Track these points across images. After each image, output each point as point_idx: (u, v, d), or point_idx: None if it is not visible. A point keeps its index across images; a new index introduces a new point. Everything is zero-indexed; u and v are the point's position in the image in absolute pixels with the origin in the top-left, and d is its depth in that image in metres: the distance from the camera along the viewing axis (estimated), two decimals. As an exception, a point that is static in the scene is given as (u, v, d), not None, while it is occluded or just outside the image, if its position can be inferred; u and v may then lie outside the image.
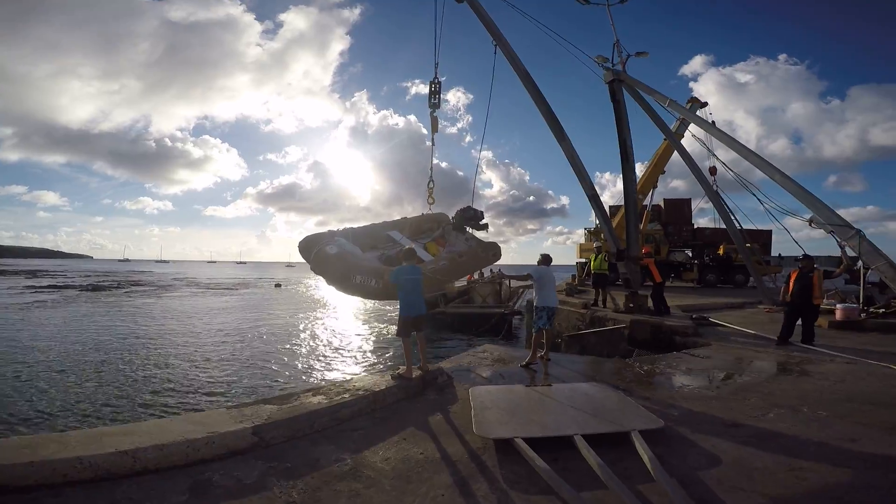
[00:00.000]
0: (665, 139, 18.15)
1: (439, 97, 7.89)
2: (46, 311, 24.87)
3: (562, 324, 11.63)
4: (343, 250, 5.93)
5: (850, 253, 7.70)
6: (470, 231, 7.82)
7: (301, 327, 21.77)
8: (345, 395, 4.27)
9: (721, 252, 23.32)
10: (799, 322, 7.87)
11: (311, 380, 11.84)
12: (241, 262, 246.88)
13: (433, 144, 8.01)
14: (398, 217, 7.80)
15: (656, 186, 21.98)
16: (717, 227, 22.33)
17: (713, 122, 15.89)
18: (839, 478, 2.95)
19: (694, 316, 10.31)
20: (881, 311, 10.01)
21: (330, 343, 17.57)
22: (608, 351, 9.27)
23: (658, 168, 21.64)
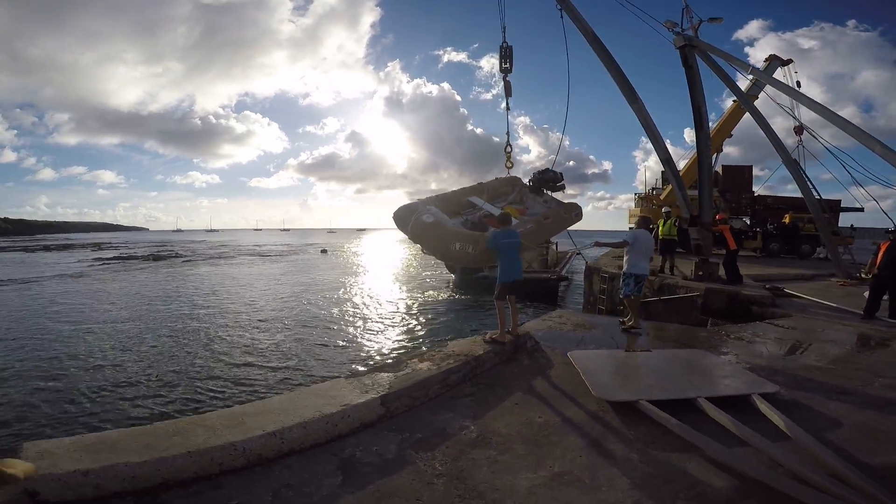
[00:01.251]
0: (734, 100, 17.15)
1: (511, 62, 7.81)
2: (118, 282, 26.25)
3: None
4: (437, 219, 6.13)
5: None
6: (548, 193, 7.84)
7: (354, 292, 22.74)
8: (450, 361, 4.29)
9: (787, 221, 22.29)
10: (886, 297, 7.66)
11: (380, 346, 12.37)
12: (285, 230, 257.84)
13: (507, 109, 7.87)
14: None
15: (721, 150, 21.03)
16: (778, 194, 21.38)
17: (798, 82, 14.90)
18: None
19: (768, 286, 10.12)
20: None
21: (395, 309, 18.09)
22: (679, 319, 9.25)
23: (724, 132, 20.65)
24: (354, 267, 37.13)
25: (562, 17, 8.55)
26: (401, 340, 13.00)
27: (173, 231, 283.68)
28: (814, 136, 11.25)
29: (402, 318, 16.09)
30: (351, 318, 15.81)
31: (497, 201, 7.76)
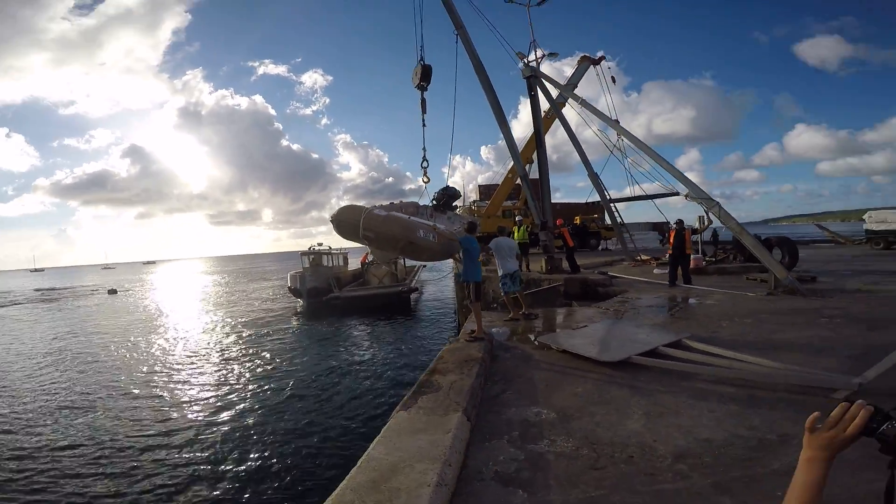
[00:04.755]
0: (545, 114, 19.19)
1: (429, 80, 8.29)
2: None
3: (495, 289, 13.24)
4: (392, 213, 6.28)
5: (713, 218, 10.66)
6: (450, 211, 8.60)
7: (198, 342, 19.43)
8: (468, 366, 4.47)
9: (577, 222, 27.92)
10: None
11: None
12: (36, 270, 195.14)
13: (424, 125, 8.32)
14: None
15: (532, 162, 24.77)
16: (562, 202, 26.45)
17: (613, 77, 17.00)
18: (793, 338, 4.96)
19: (598, 272, 12.87)
20: (713, 260, 14.04)
21: (276, 355, 15.80)
22: (546, 305, 11.12)
23: (532, 145, 24.22)
24: (167, 308, 31.35)
25: (457, 41, 9.46)
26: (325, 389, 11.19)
27: None
28: (613, 145, 14.30)
29: (297, 363, 14.04)
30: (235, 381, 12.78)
31: None
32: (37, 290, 57.87)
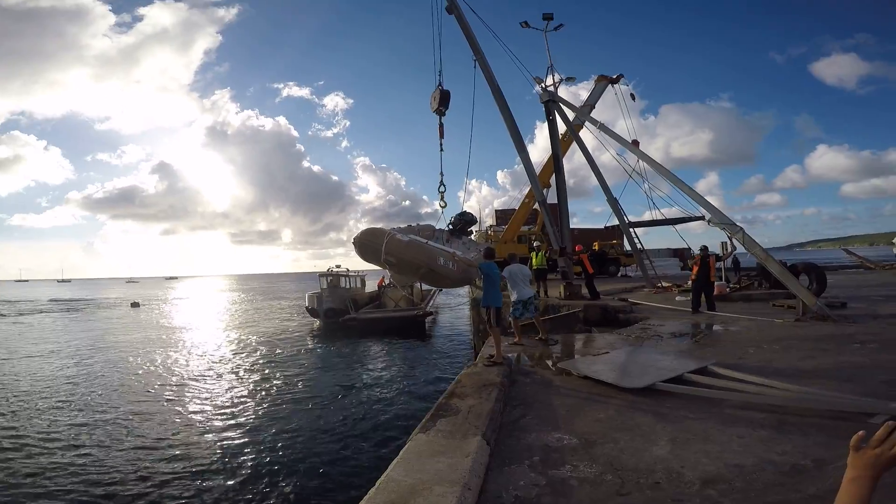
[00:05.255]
0: (562, 136, 19.28)
1: (447, 105, 8.43)
2: None
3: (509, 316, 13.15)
4: (414, 238, 6.34)
5: (736, 244, 10.47)
6: (466, 236, 8.63)
7: (219, 357, 19.63)
8: (487, 391, 4.42)
9: (596, 248, 27.64)
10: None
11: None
12: (63, 280, 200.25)
13: (441, 150, 8.45)
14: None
15: (549, 186, 24.69)
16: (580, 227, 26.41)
17: (633, 94, 17.05)
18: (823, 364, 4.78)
19: (618, 298, 12.67)
20: (737, 286, 13.72)
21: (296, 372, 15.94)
22: (565, 331, 10.95)
23: (548, 169, 24.19)
24: (186, 323, 31.80)
25: (475, 67, 9.70)
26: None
27: None
28: (631, 170, 14.19)
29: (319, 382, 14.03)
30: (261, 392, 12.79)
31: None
32: (74, 298, 58.02)
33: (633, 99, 16.11)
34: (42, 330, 28.08)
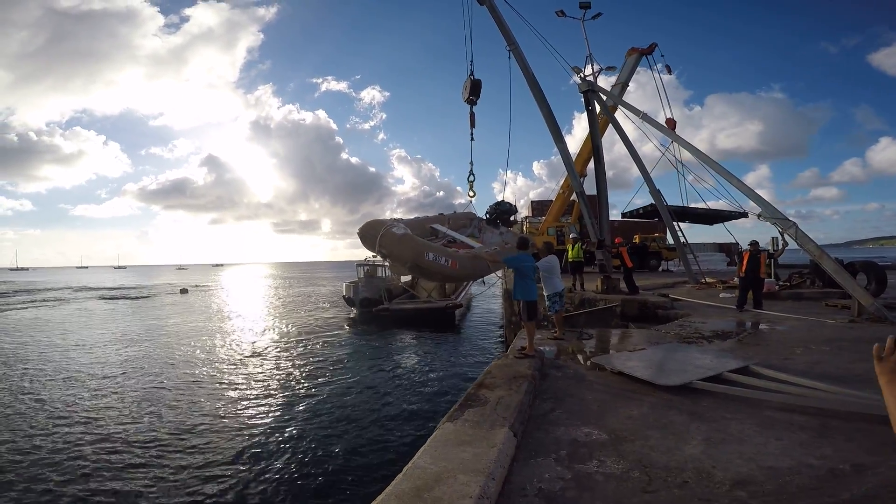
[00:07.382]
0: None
1: (478, 94, 8.38)
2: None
3: (542, 307, 12.99)
4: (408, 232, 6.35)
5: (789, 240, 9.90)
6: (503, 226, 8.59)
7: (266, 343, 20.50)
8: (517, 383, 4.43)
9: (637, 241, 26.81)
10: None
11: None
12: (119, 267, 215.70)
13: (472, 139, 8.33)
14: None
15: (585, 175, 23.81)
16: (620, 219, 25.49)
17: (667, 66, 16.26)
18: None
19: (658, 294, 12.29)
20: (787, 284, 13.01)
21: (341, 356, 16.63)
22: (600, 326, 10.73)
23: (583, 156, 23.20)
24: (231, 309, 33.30)
25: (509, 57, 9.57)
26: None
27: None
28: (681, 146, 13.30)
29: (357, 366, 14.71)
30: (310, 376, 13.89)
31: (460, 231, 8.25)
32: (127, 285, 61.29)
33: (669, 72, 15.11)
34: (102, 317, 29.97)
